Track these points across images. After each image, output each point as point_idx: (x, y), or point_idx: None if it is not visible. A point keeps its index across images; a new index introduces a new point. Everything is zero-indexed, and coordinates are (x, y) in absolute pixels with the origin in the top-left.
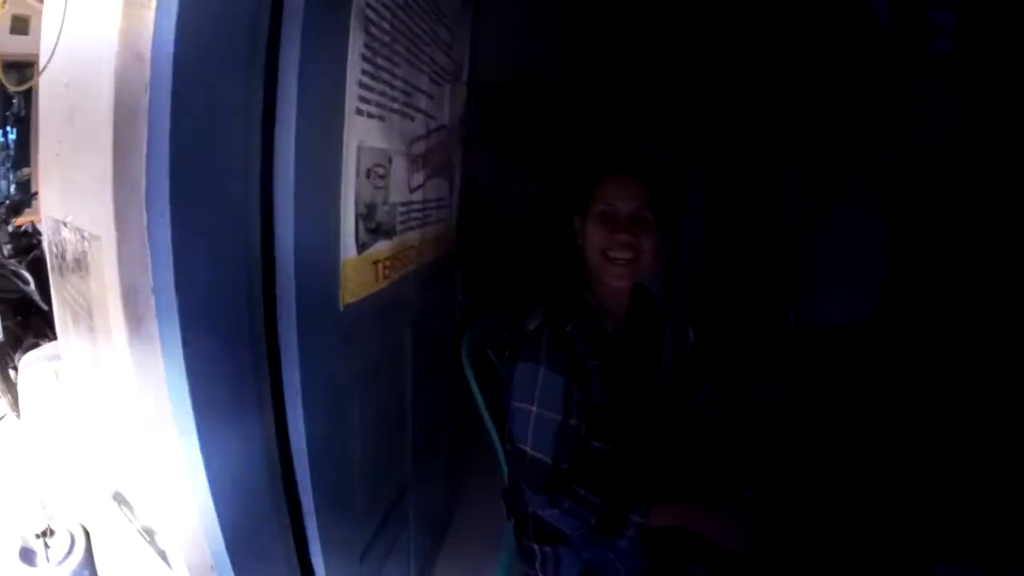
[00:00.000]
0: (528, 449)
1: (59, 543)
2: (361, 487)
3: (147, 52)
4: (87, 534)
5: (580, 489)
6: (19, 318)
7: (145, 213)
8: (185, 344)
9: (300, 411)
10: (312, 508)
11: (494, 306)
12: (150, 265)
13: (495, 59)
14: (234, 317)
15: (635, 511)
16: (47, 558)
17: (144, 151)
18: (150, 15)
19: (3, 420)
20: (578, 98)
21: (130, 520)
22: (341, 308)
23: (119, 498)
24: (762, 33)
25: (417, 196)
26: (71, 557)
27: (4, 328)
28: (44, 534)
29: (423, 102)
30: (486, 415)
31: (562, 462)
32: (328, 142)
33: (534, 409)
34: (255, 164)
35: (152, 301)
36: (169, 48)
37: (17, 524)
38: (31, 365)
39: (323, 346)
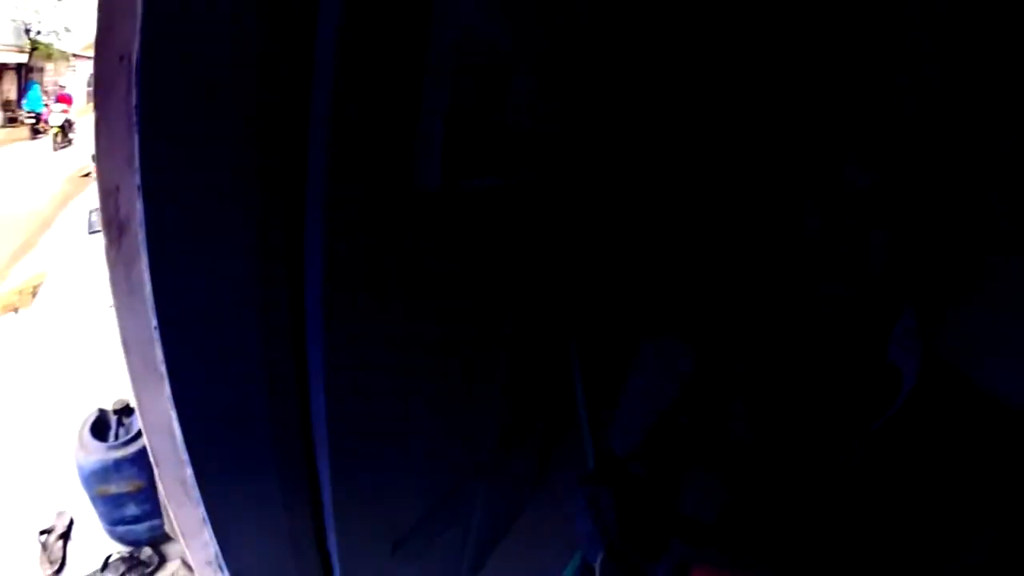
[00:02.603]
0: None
1: (132, 423)
2: (408, 464)
3: None
4: None
5: (609, 497)
6: None
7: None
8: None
9: (320, 351)
10: (329, 481)
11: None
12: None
13: None
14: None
15: (661, 567)
16: (116, 435)
17: None
18: None
19: None
20: None
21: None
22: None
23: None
24: None
25: None
26: (139, 440)
27: None
28: (121, 411)
29: None
30: (583, 413)
31: (634, 459)
32: None
33: (643, 381)
34: None
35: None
36: None
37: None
38: None
39: (379, 238)
